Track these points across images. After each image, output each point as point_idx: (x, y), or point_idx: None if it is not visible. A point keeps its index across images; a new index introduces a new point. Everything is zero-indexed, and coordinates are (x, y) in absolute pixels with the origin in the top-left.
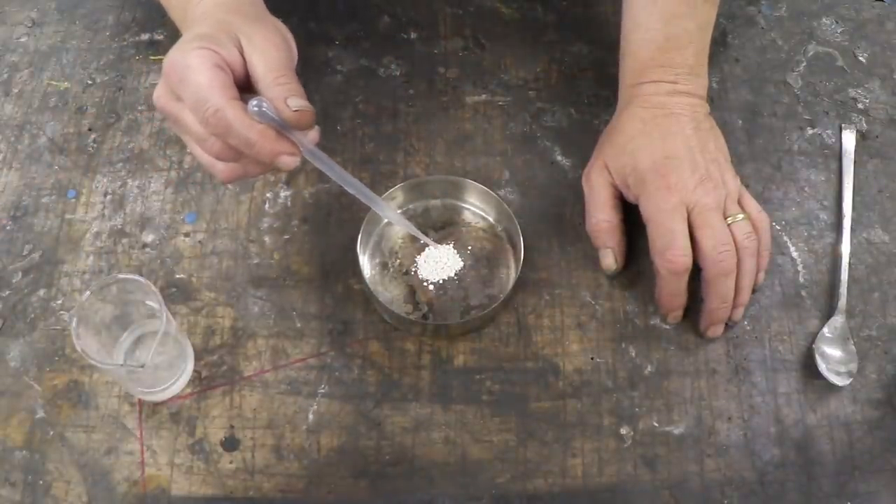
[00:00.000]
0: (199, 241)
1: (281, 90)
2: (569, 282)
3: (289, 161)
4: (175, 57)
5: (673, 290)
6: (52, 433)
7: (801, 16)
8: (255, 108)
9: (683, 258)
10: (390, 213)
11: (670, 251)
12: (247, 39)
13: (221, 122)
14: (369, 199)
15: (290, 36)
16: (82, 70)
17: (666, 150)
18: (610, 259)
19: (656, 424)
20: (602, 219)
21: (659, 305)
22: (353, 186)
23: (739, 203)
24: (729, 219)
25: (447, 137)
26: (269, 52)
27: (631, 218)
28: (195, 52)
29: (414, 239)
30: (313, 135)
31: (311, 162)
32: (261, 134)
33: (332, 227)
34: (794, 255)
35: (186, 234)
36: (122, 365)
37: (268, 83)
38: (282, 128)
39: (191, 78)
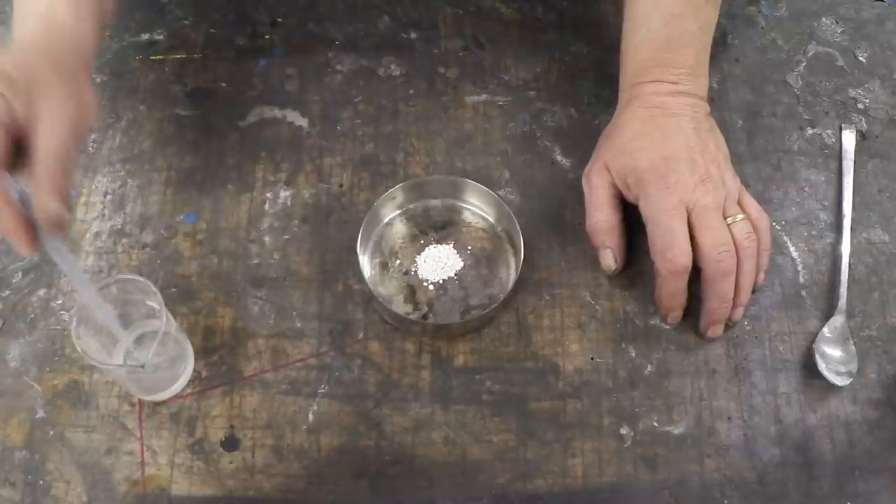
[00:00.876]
0: (199, 241)
1: (47, 185)
2: (569, 282)
3: (21, 250)
4: None
5: (673, 291)
6: (52, 433)
7: (801, 16)
8: (16, 195)
9: (683, 259)
10: (95, 302)
11: (670, 251)
12: (45, 99)
13: None
14: (84, 291)
15: (93, 100)
16: None
17: (666, 151)
18: (610, 259)
19: (656, 424)
20: (601, 219)
21: (659, 305)
22: (79, 280)
23: (739, 203)
24: (729, 219)
25: (447, 137)
26: (60, 123)
27: (631, 218)
28: None
29: (414, 239)
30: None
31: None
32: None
33: (332, 227)
34: (794, 255)
35: (186, 234)
36: (122, 365)
37: (39, 169)
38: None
39: None
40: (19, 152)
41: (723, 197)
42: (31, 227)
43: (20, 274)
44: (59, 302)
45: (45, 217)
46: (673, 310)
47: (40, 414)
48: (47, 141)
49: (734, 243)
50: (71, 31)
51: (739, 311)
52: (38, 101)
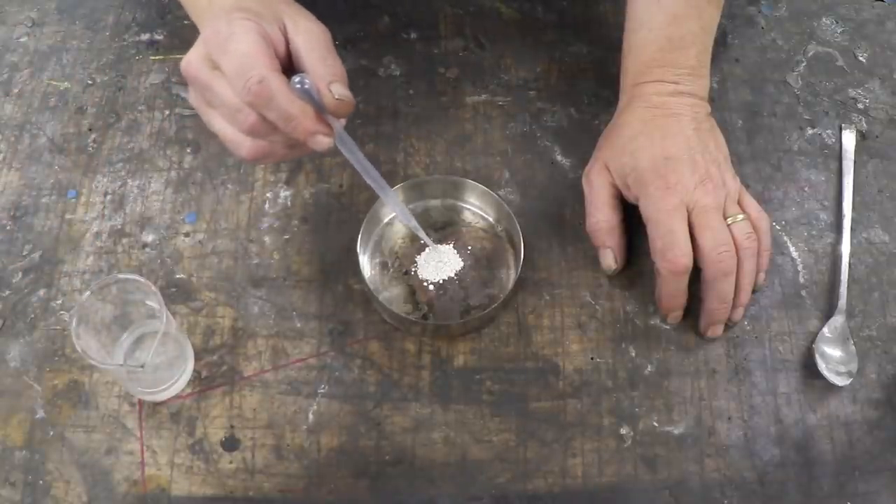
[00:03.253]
0: (199, 241)
1: (326, 72)
2: (569, 282)
3: (323, 142)
4: (218, 24)
5: (673, 291)
6: (52, 433)
7: (801, 16)
8: (298, 86)
9: (684, 259)
10: (399, 209)
11: (671, 252)
12: (291, 21)
13: (264, 92)
14: (384, 192)
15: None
16: (82, 70)
17: (666, 151)
18: (610, 259)
19: (656, 424)
20: (602, 219)
21: (659, 305)
22: (372, 177)
23: (739, 204)
24: (729, 219)
25: (447, 137)
26: (314, 33)
27: (631, 218)
28: (240, 21)
29: (414, 239)
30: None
31: (339, 147)
32: (301, 110)
33: (332, 227)
34: (794, 255)
35: (186, 234)
36: (122, 365)
37: (313, 63)
38: (319, 109)
39: (235, 46)
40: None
41: (723, 197)
42: (323, 118)
43: (20, 274)
44: (59, 302)
45: (331, 102)
46: (673, 310)
47: (40, 414)
48: (309, 45)
49: (734, 243)
50: None
51: (739, 312)
52: (288, 26)
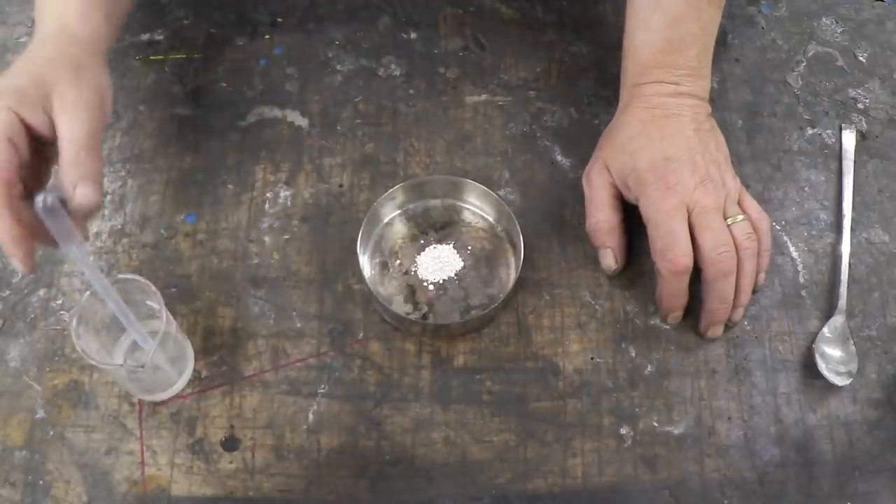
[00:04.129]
0: (199, 241)
1: (73, 171)
2: (569, 282)
3: (18, 266)
4: None
5: (673, 291)
6: (52, 433)
7: (801, 16)
8: (41, 204)
9: (684, 259)
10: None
11: (671, 252)
12: (59, 99)
13: None
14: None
15: (108, 88)
16: None
17: (666, 152)
18: (610, 259)
19: (656, 424)
20: (601, 219)
21: (659, 305)
22: (115, 304)
23: (739, 204)
24: (729, 220)
25: (447, 137)
26: (77, 117)
27: (631, 218)
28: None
29: (414, 239)
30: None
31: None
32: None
33: (332, 227)
34: (794, 255)
35: (186, 234)
36: (122, 365)
37: (64, 158)
38: (62, 224)
39: None
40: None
41: (723, 197)
42: (30, 242)
43: (20, 274)
44: (59, 302)
45: (77, 203)
46: (673, 310)
47: (40, 414)
48: (69, 131)
49: (734, 244)
50: (80, 28)
51: (739, 312)
52: (54, 102)
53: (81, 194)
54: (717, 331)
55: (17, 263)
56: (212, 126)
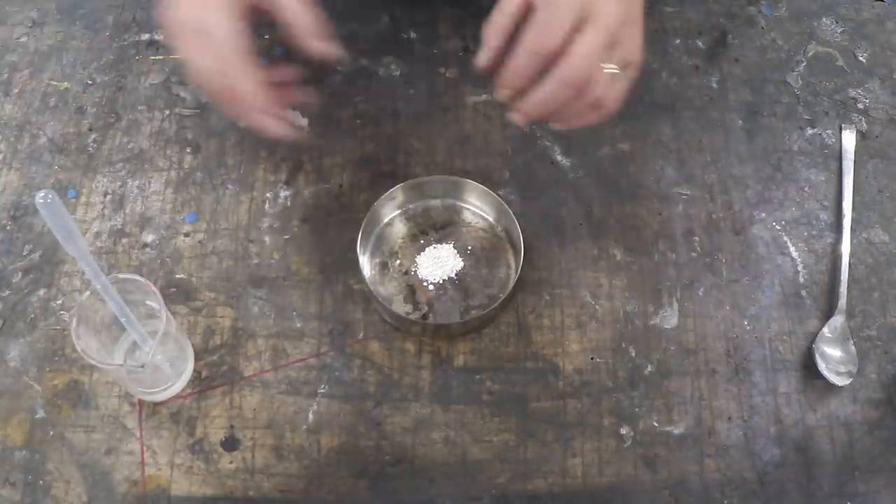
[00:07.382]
0: (199, 241)
1: (306, 29)
2: (569, 282)
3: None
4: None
5: (522, 70)
6: (52, 433)
7: (801, 16)
8: (41, 200)
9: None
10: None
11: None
12: None
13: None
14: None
15: None
16: (82, 70)
17: None
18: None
19: (656, 424)
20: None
21: (501, 78)
22: (115, 303)
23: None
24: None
25: (447, 137)
26: None
27: (630, 217)
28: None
29: (414, 239)
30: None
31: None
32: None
33: (332, 227)
34: (794, 255)
35: (186, 234)
36: (122, 365)
37: (294, 23)
38: (55, 224)
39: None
40: None
41: (612, 36)
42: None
43: (20, 274)
44: (59, 302)
45: (318, 54)
46: (509, 87)
47: (40, 414)
48: (290, 2)
49: (592, 76)
50: None
51: (533, 106)
52: None
53: (316, 47)
54: (517, 118)
55: (283, 130)
56: (212, 126)
